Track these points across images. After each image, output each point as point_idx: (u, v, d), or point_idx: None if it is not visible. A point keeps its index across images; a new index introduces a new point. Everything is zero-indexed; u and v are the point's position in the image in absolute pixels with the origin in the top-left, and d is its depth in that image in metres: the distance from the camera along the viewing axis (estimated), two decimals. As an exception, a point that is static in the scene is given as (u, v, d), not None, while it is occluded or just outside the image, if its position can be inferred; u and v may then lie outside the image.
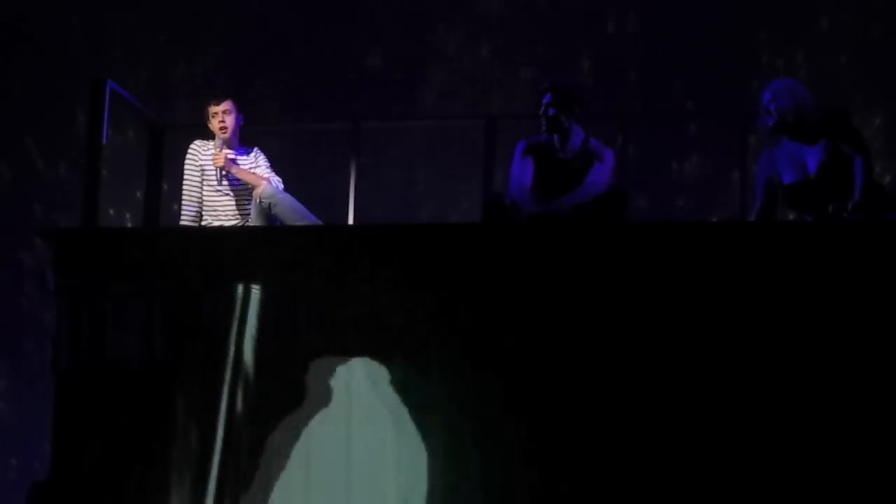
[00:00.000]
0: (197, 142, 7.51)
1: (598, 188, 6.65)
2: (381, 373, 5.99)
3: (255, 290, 6.13)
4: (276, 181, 7.36)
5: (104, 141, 6.94)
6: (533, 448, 5.77)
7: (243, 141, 7.55)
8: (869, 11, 9.46)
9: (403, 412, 5.93)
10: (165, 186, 8.12)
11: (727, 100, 9.17)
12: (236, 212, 7.37)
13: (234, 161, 7.37)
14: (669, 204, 9.53)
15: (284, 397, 6.06)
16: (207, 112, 7.45)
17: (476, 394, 5.85)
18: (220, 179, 7.37)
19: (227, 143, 7.40)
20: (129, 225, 9.88)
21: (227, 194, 7.38)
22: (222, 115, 7.41)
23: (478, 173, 8.28)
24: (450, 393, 5.88)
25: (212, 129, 7.44)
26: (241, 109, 7.51)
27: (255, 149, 7.56)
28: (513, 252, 6.00)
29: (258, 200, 7.22)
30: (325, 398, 6.04)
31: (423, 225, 8.60)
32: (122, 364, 6.24)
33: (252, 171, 7.38)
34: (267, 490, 6.04)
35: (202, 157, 7.43)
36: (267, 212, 7.20)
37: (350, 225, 7.92)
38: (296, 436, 6.04)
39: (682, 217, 9.36)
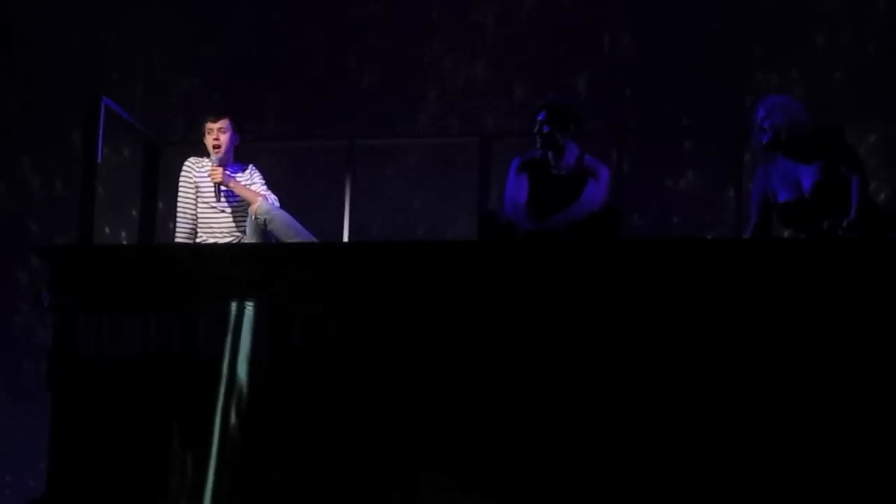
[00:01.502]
0: (191, 158, 7.51)
1: (592, 205, 6.65)
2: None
3: (250, 307, 6.13)
4: (272, 198, 7.36)
5: (99, 159, 6.94)
6: (533, 460, 5.76)
7: (238, 157, 7.54)
8: (864, 28, 9.47)
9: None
10: (161, 204, 8.11)
11: (722, 116, 9.17)
12: (231, 229, 7.37)
13: (230, 176, 7.38)
14: (664, 221, 9.52)
15: (279, 414, 6.05)
16: (203, 129, 7.46)
17: (472, 410, 5.84)
18: (219, 196, 7.37)
19: (221, 161, 7.40)
20: (125, 242, 9.88)
21: (223, 211, 7.38)
22: (217, 133, 7.40)
23: (473, 190, 8.29)
24: (446, 408, 5.88)
25: (206, 145, 7.44)
26: (239, 128, 7.48)
27: (251, 166, 7.55)
28: (508, 269, 6.00)
29: (254, 217, 7.22)
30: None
31: (418, 242, 8.60)
32: (118, 381, 6.24)
33: (248, 187, 7.39)
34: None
35: (197, 174, 7.43)
36: (262, 228, 7.20)
37: (345, 242, 7.92)
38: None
39: (676, 234, 9.36)
